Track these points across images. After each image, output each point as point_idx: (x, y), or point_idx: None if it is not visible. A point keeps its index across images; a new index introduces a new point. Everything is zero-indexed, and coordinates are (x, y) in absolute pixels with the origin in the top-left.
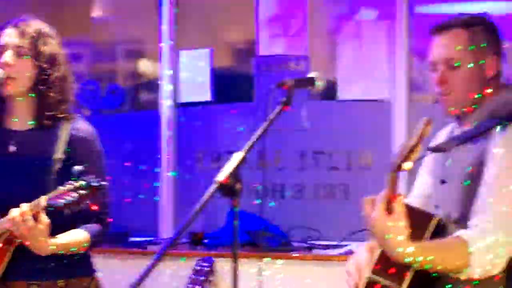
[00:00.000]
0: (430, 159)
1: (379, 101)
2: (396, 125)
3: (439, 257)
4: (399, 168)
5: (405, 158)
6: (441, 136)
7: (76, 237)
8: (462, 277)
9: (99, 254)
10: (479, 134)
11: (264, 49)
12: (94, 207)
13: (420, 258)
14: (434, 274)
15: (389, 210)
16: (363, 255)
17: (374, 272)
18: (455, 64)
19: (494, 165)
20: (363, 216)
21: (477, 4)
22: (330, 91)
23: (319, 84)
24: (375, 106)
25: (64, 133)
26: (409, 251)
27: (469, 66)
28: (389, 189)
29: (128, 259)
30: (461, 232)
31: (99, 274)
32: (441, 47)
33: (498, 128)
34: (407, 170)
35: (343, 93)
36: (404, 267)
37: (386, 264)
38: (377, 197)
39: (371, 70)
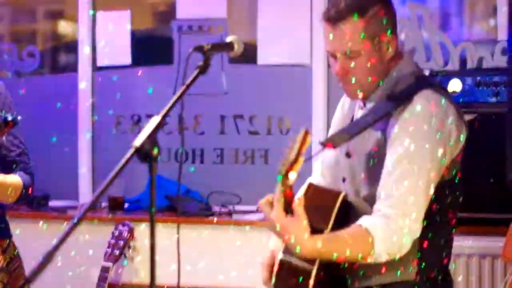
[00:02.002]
0: (335, 126)
1: (299, 66)
2: (315, 90)
3: (343, 248)
4: (285, 177)
5: (289, 169)
6: (344, 107)
7: (10, 179)
8: (370, 262)
9: (17, 217)
10: (377, 119)
11: (183, 12)
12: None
13: (324, 252)
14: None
15: (287, 209)
16: (274, 243)
17: (285, 253)
18: (354, 55)
19: (394, 149)
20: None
21: None
22: (250, 55)
23: (237, 48)
24: (295, 71)
25: None
26: (312, 248)
27: (368, 53)
28: (284, 191)
29: (47, 224)
30: (363, 220)
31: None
32: (337, 39)
33: (396, 110)
34: (293, 180)
35: (263, 58)
36: None
37: None
38: (274, 198)
39: (291, 35)
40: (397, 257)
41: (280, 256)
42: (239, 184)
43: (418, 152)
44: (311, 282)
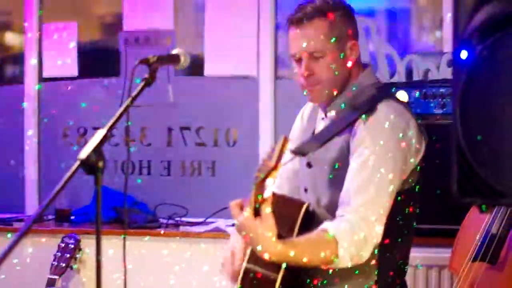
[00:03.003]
0: (294, 138)
1: (246, 78)
2: (262, 102)
3: (308, 251)
4: (262, 182)
5: (267, 175)
6: (304, 119)
7: None
8: (333, 267)
9: None
10: (342, 128)
11: (130, 24)
12: None
13: (290, 256)
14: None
15: (256, 212)
16: (237, 242)
17: (250, 261)
18: (319, 55)
19: (357, 156)
20: (232, 215)
21: None
22: (196, 67)
23: (183, 61)
24: (242, 83)
25: None
26: (278, 252)
27: (332, 54)
28: (255, 195)
29: None
30: (327, 225)
31: None
32: (303, 40)
33: (360, 119)
34: (269, 186)
35: (210, 69)
36: None
37: None
38: (245, 201)
39: (238, 47)
40: (360, 262)
41: (244, 264)
42: (186, 196)
43: (381, 160)
44: None
